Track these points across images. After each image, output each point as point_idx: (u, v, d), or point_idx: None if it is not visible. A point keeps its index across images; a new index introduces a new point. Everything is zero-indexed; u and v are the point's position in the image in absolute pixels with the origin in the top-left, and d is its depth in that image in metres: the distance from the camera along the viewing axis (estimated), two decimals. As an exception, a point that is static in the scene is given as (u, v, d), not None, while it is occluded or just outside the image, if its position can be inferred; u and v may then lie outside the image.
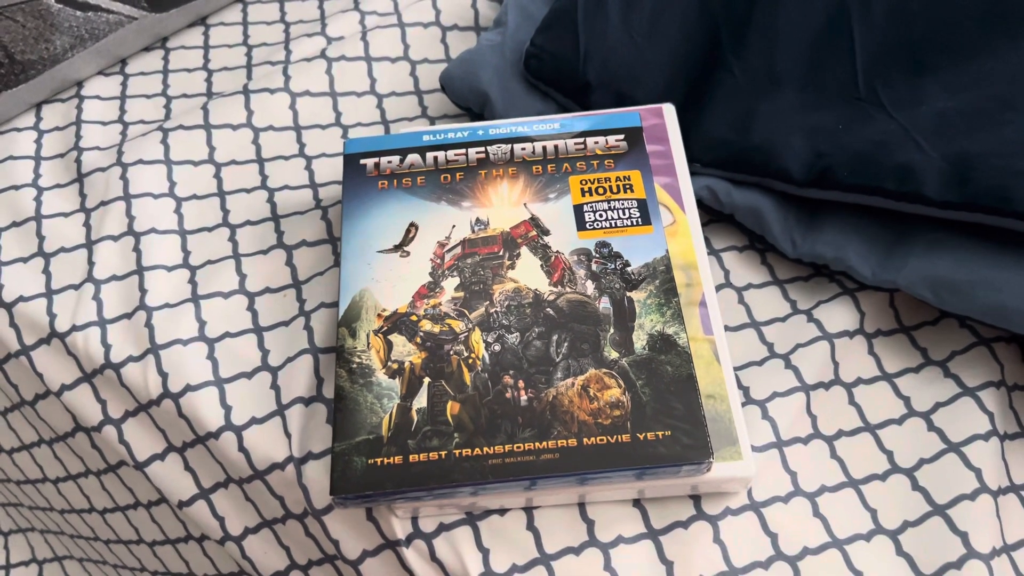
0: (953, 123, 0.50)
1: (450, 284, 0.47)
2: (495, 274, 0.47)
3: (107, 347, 0.52)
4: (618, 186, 0.50)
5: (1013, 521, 0.47)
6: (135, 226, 0.56)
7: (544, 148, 0.51)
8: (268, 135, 0.62)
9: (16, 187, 0.59)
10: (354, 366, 0.45)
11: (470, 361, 0.45)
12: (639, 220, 0.48)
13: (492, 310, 0.46)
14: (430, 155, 0.51)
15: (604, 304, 0.46)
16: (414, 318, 0.46)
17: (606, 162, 0.50)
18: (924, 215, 0.50)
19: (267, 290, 0.55)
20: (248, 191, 0.59)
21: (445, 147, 0.52)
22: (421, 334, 0.45)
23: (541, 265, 0.48)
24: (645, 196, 0.49)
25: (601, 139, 0.52)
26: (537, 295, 0.46)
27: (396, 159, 0.51)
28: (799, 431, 0.49)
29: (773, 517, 0.46)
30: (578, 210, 0.49)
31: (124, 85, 0.65)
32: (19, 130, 0.62)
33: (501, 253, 0.48)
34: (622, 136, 0.52)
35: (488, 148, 0.52)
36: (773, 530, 0.46)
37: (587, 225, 0.48)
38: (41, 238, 0.57)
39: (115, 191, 0.58)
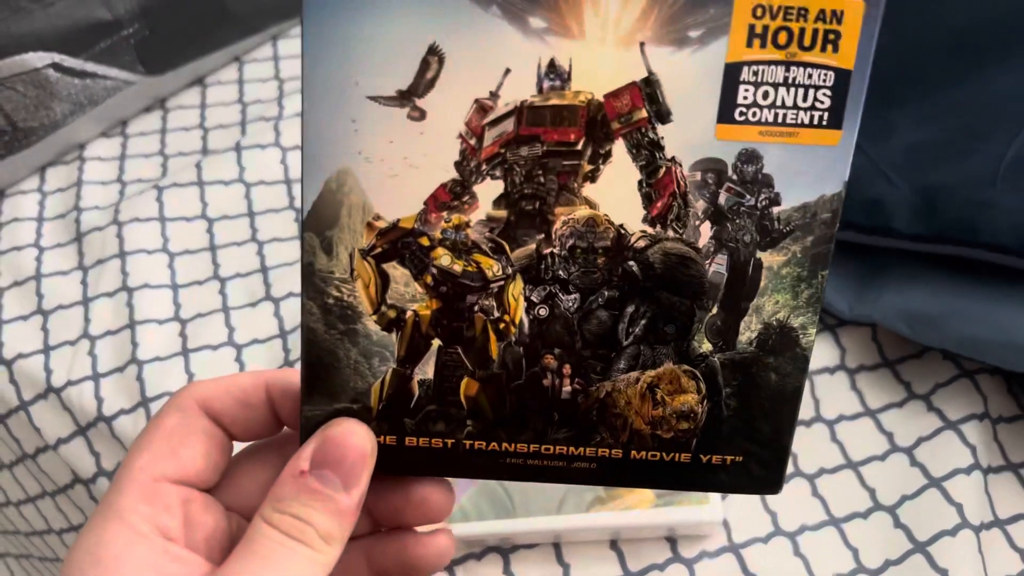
0: (921, 155, 0.50)
1: (487, 191, 0.30)
2: (562, 186, 0.30)
3: (100, 400, 0.54)
4: (817, 33, 0.28)
5: (999, 557, 0.46)
6: (129, 282, 0.58)
7: None
8: (259, 189, 0.64)
9: (19, 248, 0.62)
10: (330, 301, 0.31)
11: (501, 326, 0.31)
12: (827, 116, 0.29)
13: (547, 250, 0.31)
14: None
15: (718, 267, 0.31)
16: (425, 242, 0.30)
17: None
18: (896, 248, 0.50)
19: (255, 341, 0.56)
20: (239, 244, 0.61)
21: None
22: (434, 271, 0.31)
23: (641, 182, 0.30)
24: (854, 65, 0.29)
25: None
26: (621, 236, 0.30)
27: None
28: (779, 469, 0.49)
29: (752, 558, 0.46)
30: (732, 75, 0.28)
31: (124, 146, 0.68)
32: (24, 193, 0.65)
33: (580, 146, 0.30)
34: None
35: None
36: (752, 571, 0.45)
37: (737, 113, 0.29)
38: (40, 296, 0.59)
39: (111, 249, 0.60)
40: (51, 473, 0.59)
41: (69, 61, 0.61)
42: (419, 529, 0.35)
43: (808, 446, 0.50)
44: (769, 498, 0.48)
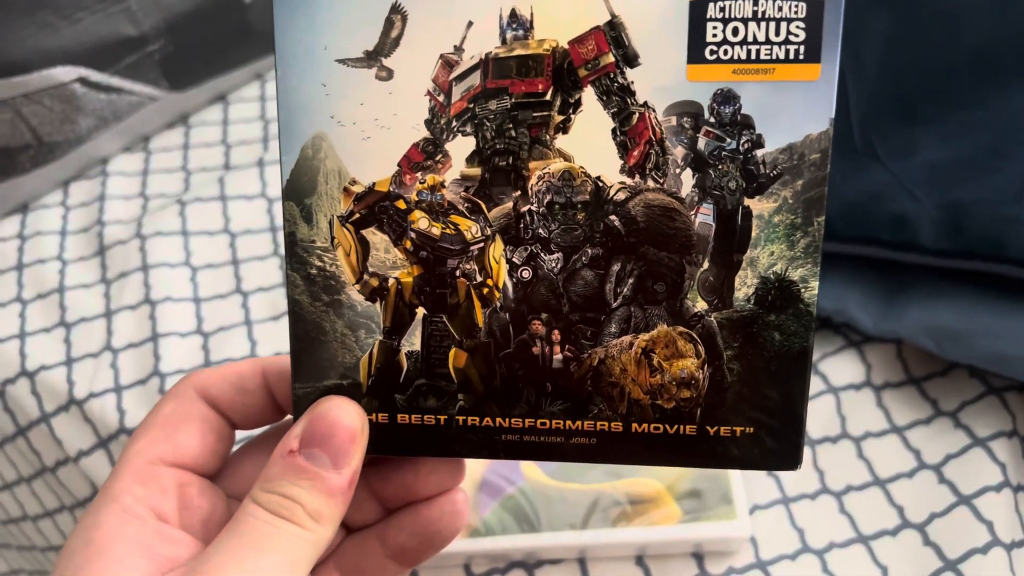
0: (945, 172, 0.50)
1: (459, 149, 0.29)
2: (535, 139, 0.29)
3: (122, 413, 0.54)
4: None
5: (1030, 576, 0.45)
6: (151, 295, 0.58)
7: None
8: (280, 204, 0.64)
9: (42, 261, 0.62)
10: (313, 272, 0.30)
11: (485, 291, 0.30)
12: (803, 49, 0.27)
13: (525, 207, 0.30)
14: None
15: (704, 216, 0.29)
16: (402, 205, 0.30)
17: None
18: (922, 264, 0.50)
19: (278, 355, 0.56)
20: (261, 259, 0.61)
21: None
22: (413, 235, 0.30)
23: (614, 130, 0.29)
24: None
25: None
26: (599, 189, 0.29)
27: None
28: (806, 487, 0.49)
29: (780, 575, 0.45)
30: (698, 13, 0.28)
31: (147, 161, 0.68)
32: (47, 207, 0.65)
33: (548, 96, 0.29)
34: None
35: None
36: (780, 588, 0.45)
37: (707, 51, 0.28)
38: (63, 309, 0.59)
39: (134, 262, 0.60)
40: (70, 486, 0.59)
41: (95, 76, 0.61)
42: None
43: (835, 463, 0.49)
44: (796, 514, 0.47)
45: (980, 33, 0.54)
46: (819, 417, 0.50)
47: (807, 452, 0.49)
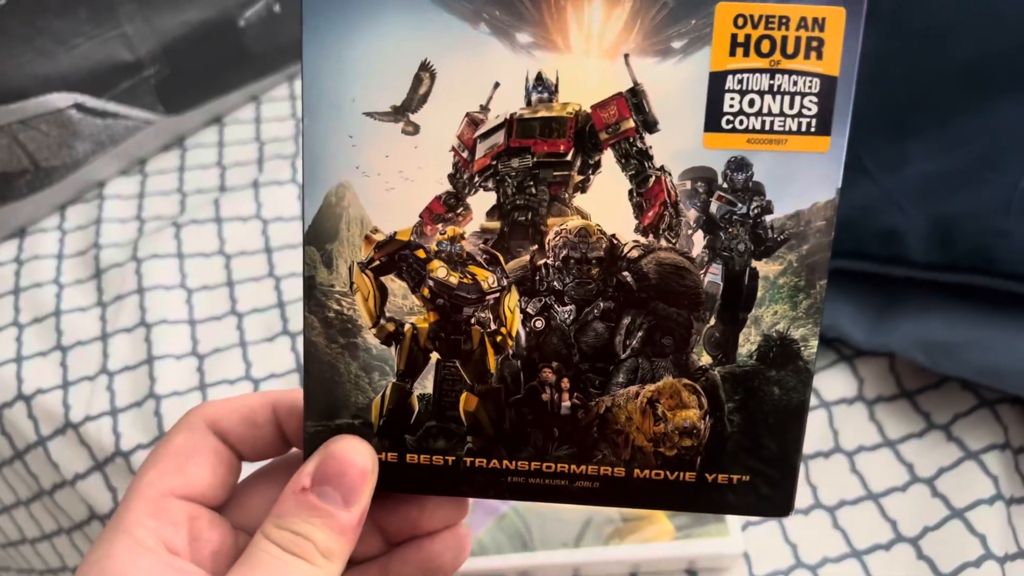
0: (935, 185, 0.50)
1: (480, 203, 0.30)
2: (554, 196, 0.30)
3: (117, 436, 0.54)
4: (799, 41, 0.28)
5: (1025, 590, 0.45)
6: (147, 318, 0.58)
7: None
8: (276, 225, 0.64)
9: (39, 284, 0.62)
10: (330, 315, 0.31)
11: (498, 339, 0.31)
12: (814, 123, 0.29)
13: (541, 261, 0.31)
14: None
15: (712, 277, 0.31)
16: (421, 254, 0.31)
17: None
18: (912, 278, 0.50)
19: (272, 376, 0.56)
20: (256, 280, 0.62)
21: None
22: (431, 283, 0.31)
23: (631, 191, 0.30)
24: (839, 72, 0.29)
25: None
26: (613, 246, 0.30)
27: None
28: (799, 502, 0.49)
29: (774, 591, 0.45)
30: (716, 84, 0.29)
31: (143, 184, 0.69)
32: (45, 231, 0.66)
33: (569, 157, 0.30)
34: None
35: None
36: (774, 604, 0.45)
37: (724, 121, 0.29)
38: (60, 332, 0.59)
39: (130, 285, 0.60)
40: (68, 509, 0.59)
41: (91, 101, 0.62)
42: None
43: (828, 478, 0.49)
44: (790, 530, 0.47)
45: (968, 47, 0.54)
46: (812, 432, 0.50)
47: (800, 466, 0.49)
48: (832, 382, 0.52)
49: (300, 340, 0.58)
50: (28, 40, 0.58)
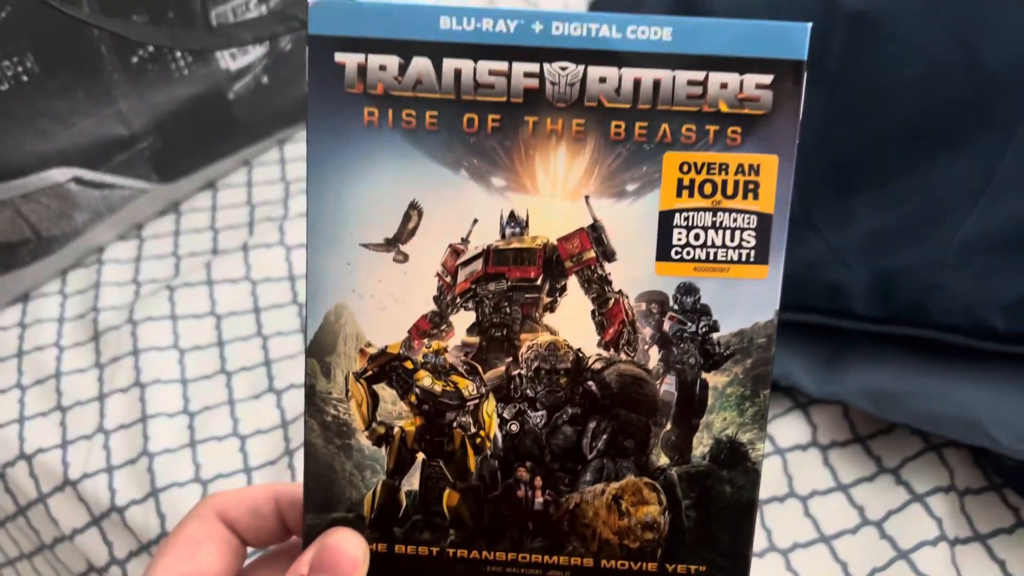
0: (878, 241, 0.53)
1: (461, 321, 0.35)
2: (526, 316, 0.35)
3: (113, 492, 0.57)
4: (738, 184, 0.33)
5: (968, 628, 0.47)
6: (141, 378, 0.62)
7: (637, 84, 0.32)
8: (264, 286, 0.68)
9: (41, 348, 0.66)
10: (328, 419, 0.35)
11: (478, 440, 0.35)
12: (753, 254, 0.33)
13: (515, 371, 0.35)
14: (450, 65, 0.33)
15: (667, 387, 0.35)
16: (409, 365, 0.35)
17: (730, 131, 0.33)
18: (858, 330, 0.53)
19: (258, 432, 0.59)
20: (245, 339, 0.65)
21: (476, 51, 0.32)
22: (417, 391, 0.35)
23: (593, 311, 0.34)
24: (774, 210, 0.33)
25: (734, 77, 0.32)
26: (579, 359, 0.35)
27: (394, 62, 0.33)
28: (755, 546, 0.51)
29: (730, 633, 0.48)
30: (665, 221, 0.33)
31: (140, 248, 0.73)
32: (47, 295, 0.70)
33: (539, 282, 0.35)
34: (770, 76, 0.32)
35: (546, 67, 0.32)
36: (729, 646, 0.47)
37: (673, 252, 0.33)
38: (60, 393, 0.63)
39: (126, 347, 0.64)
40: (67, 563, 0.62)
41: (89, 175, 0.66)
42: None
43: (782, 521, 0.52)
44: (745, 574, 0.50)
45: (909, 105, 0.57)
46: (767, 477, 0.53)
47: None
48: (787, 429, 0.55)
49: (285, 397, 0.61)
50: (29, 121, 0.62)
